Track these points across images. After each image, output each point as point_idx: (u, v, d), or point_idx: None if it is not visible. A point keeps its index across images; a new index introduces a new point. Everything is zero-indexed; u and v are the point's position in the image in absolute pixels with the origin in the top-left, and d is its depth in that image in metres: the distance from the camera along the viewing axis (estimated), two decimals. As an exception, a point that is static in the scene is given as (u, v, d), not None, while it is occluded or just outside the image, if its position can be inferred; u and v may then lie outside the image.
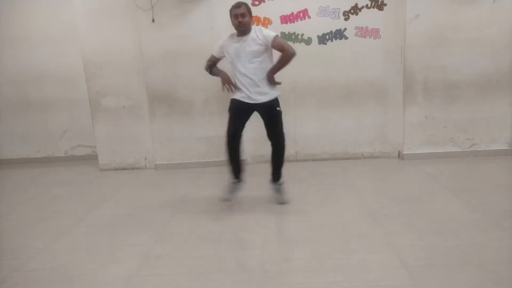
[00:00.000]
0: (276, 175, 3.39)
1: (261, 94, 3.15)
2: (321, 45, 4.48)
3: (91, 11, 4.49)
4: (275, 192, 3.40)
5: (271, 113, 3.21)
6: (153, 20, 4.39)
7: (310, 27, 4.44)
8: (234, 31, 3.21)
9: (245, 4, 3.09)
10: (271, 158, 3.35)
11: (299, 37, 4.47)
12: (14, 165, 5.40)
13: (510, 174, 3.99)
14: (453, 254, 2.37)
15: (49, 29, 5.09)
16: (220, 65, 3.39)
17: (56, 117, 5.37)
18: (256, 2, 4.39)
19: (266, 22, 4.44)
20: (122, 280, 2.30)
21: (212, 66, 3.35)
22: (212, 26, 4.39)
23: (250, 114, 3.28)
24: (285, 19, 4.44)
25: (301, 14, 4.43)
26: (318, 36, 4.46)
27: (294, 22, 4.44)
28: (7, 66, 5.25)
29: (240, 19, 3.03)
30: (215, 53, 3.31)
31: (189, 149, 4.72)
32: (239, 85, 3.18)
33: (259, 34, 3.09)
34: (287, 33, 4.46)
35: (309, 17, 4.43)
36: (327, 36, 4.46)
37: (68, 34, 5.01)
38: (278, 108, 3.21)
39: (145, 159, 4.86)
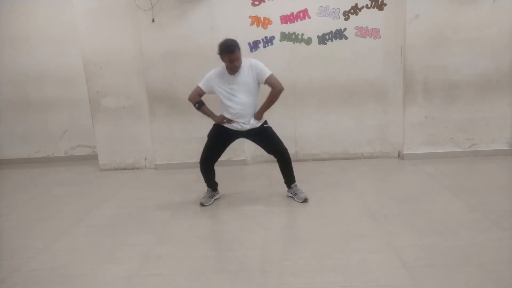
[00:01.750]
0: (289, 181, 3.44)
1: (252, 121, 3.20)
2: (321, 45, 4.48)
3: (91, 11, 4.49)
4: (294, 195, 3.42)
5: (261, 133, 3.27)
6: (153, 20, 4.39)
7: (310, 27, 4.44)
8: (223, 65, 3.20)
9: (237, 45, 3.03)
10: (280, 169, 3.40)
11: (299, 37, 4.47)
12: (14, 165, 5.40)
13: (510, 174, 3.99)
14: (453, 254, 2.37)
15: (49, 29, 5.09)
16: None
17: (56, 117, 5.37)
18: (256, 2, 4.39)
19: (266, 22, 4.44)
20: (122, 280, 2.30)
21: (201, 102, 3.27)
22: (212, 26, 4.39)
23: (233, 141, 3.35)
24: (285, 19, 4.44)
25: (301, 14, 4.43)
26: (318, 36, 4.46)
27: (294, 22, 4.44)
28: (7, 66, 5.25)
29: (236, 63, 3.03)
30: (204, 87, 3.22)
31: (189, 149, 4.71)
32: (231, 117, 3.17)
33: (254, 66, 3.10)
34: (287, 33, 4.46)
35: (309, 17, 4.43)
36: (327, 36, 4.46)
37: (68, 34, 5.01)
38: (265, 125, 3.27)
39: (145, 159, 4.86)
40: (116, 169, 4.86)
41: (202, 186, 3.97)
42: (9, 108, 5.37)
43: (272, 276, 2.25)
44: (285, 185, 3.48)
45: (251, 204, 3.39)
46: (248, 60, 3.14)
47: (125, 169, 4.86)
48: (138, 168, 4.87)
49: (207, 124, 4.61)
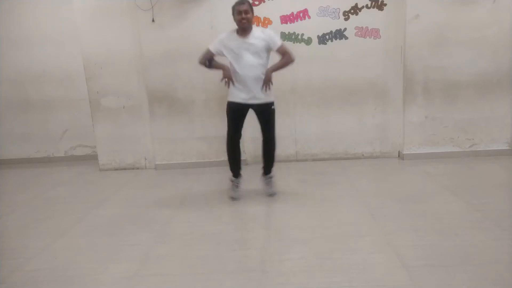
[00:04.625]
0: (267, 169, 3.54)
1: (260, 96, 3.26)
2: (321, 45, 4.48)
3: (91, 11, 4.48)
4: (265, 185, 3.55)
5: (267, 112, 3.35)
6: (153, 20, 4.39)
7: (310, 27, 4.44)
8: (234, 27, 3.29)
9: (248, 1, 3.18)
10: (263, 152, 3.49)
11: (299, 37, 4.47)
12: (14, 165, 5.40)
13: (510, 174, 3.99)
14: (453, 254, 2.37)
15: (49, 29, 5.08)
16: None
17: (56, 117, 5.37)
18: (256, 2, 4.39)
19: (266, 22, 4.44)
20: (122, 280, 2.30)
21: (210, 60, 3.33)
22: (212, 26, 4.39)
23: (247, 113, 3.40)
24: (285, 19, 4.44)
25: (301, 14, 4.43)
26: (318, 36, 4.46)
27: (294, 22, 4.44)
28: (7, 66, 5.24)
29: (243, 15, 3.12)
30: (213, 48, 3.30)
31: (189, 149, 4.72)
32: (240, 84, 3.24)
33: (266, 33, 3.21)
34: (287, 33, 4.46)
35: (309, 17, 4.43)
36: (327, 36, 4.46)
37: (68, 34, 5.01)
38: (273, 107, 3.36)
39: (145, 159, 4.86)
40: (116, 169, 4.86)
41: (202, 186, 3.96)
42: (9, 108, 5.37)
43: (272, 276, 2.25)
44: (262, 174, 3.59)
45: (251, 204, 3.39)
46: (260, 28, 3.34)
47: (125, 169, 4.86)
48: (138, 168, 4.86)
49: (207, 124, 4.65)
